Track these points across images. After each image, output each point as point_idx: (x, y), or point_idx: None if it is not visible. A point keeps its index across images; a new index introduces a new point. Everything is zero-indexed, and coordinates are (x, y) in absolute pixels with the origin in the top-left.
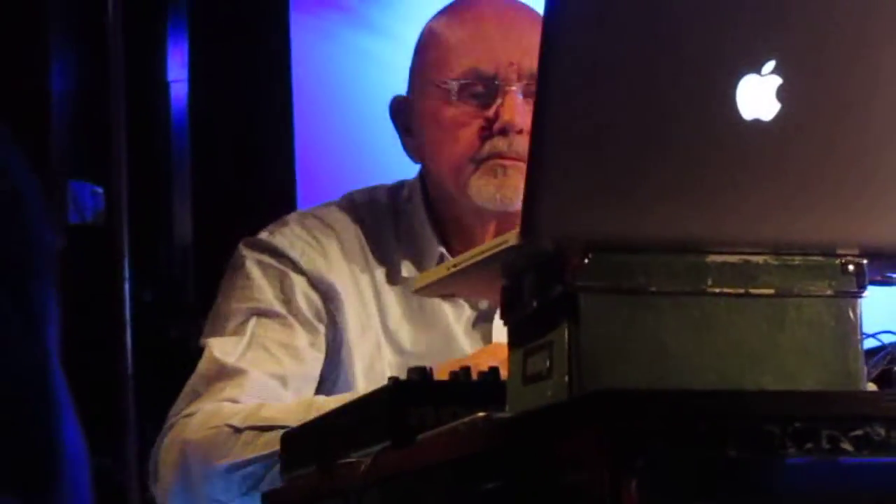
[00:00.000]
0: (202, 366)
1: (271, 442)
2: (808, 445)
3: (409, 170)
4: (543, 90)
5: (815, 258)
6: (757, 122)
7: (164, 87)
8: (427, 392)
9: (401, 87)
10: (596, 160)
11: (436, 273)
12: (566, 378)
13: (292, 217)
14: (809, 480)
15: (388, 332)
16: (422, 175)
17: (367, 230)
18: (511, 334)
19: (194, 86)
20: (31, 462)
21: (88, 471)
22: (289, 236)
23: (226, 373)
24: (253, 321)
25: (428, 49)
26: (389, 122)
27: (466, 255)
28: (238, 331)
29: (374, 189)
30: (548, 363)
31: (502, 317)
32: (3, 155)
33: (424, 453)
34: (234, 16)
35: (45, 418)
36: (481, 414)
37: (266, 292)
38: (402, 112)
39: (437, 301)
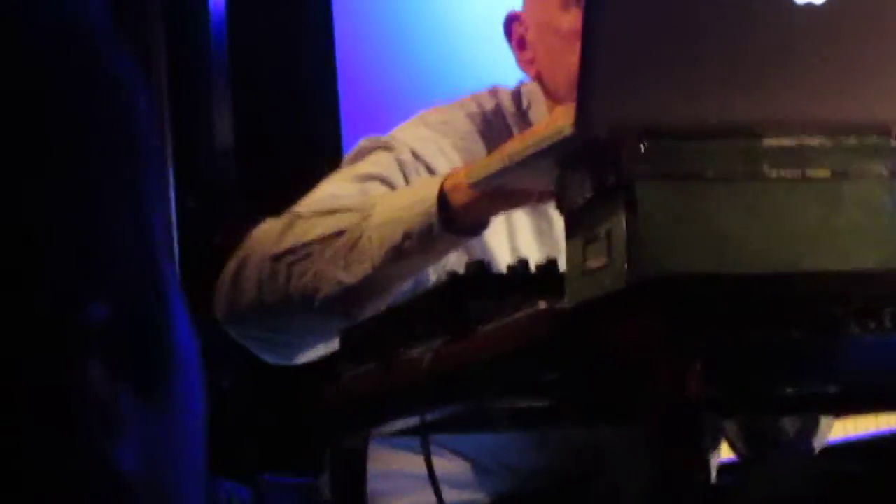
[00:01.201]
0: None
1: (337, 222)
2: (871, 324)
3: (448, 70)
4: None
5: (870, 138)
6: (809, 5)
7: None
8: (485, 284)
9: None
10: (648, 48)
11: (491, 165)
12: (625, 266)
13: (419, 119)
14: (872, 359)
15: (516, 252)
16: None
17: (495, 142)
18: (568, 224)
19: None
20: (146, 357)
21: (201, 373)
22: (417, 135)
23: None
24: (370, 184)
25: None
26: (433, 17)
27: (521, 146)
28: (347, 186)
29: (498, 93)
30: (606, 252)
31: (558, 207)
32: (108, 41)
33: (485, 346)
34: None
35: (158, 315)
36: (541, 305)
37: (390, 168)
38: (515, 27)
39: (562, 225)
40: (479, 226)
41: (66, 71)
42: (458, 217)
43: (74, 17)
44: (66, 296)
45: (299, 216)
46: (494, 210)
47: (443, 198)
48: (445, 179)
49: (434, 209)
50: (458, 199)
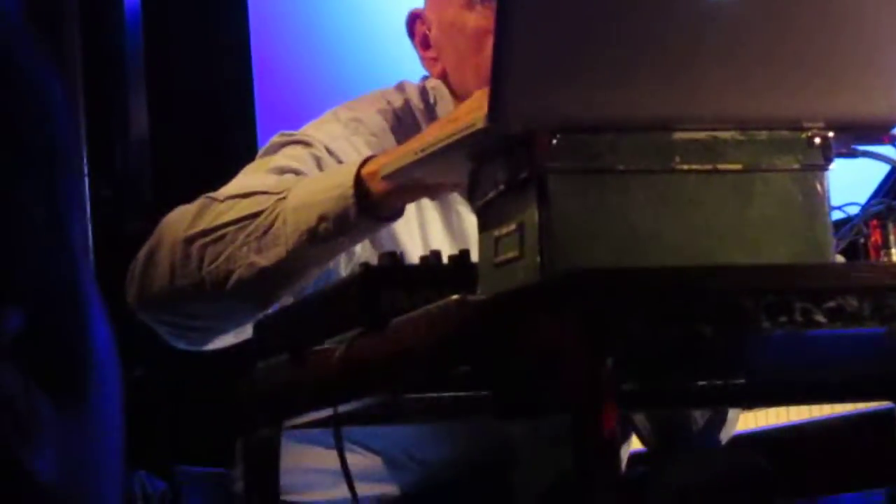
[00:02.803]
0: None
1: (251, 206)
2: (783, 318)
3: (361, 65)
4: None
5: (781, 133)
6: None
7: None
8: (398, 276)
9: None
10: (560, 42)
11: (404, 158)
12: (538, 259)
13: (331, 115)
14: (782, 353)
15: (427, 245)
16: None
17: (406, 138)
18: (480, 218)
19: None
20: (63, 362)
21: (118, 371)
22: (330, 133)
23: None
24: (286, 176)
25: None
26: (342, 15)
27: (433, 139)
28: (262, 177)
29: (404, 89)
30: (518, 245)
31: (470, 201)
32: (24, 49)
33: (398, 338)
34: None
35: (75, 318)
36: (454, 297)
37: (306, 162)
38: (418, 25)
39: (472, 216)
40: (394, 213)
41: None
42: (375, 202)
43: None
44: None
45: (214, 199)
46: (410, 197)
47: (359, 183)
48: (361, 165)
49: (350, 193)
50: (375, 184)
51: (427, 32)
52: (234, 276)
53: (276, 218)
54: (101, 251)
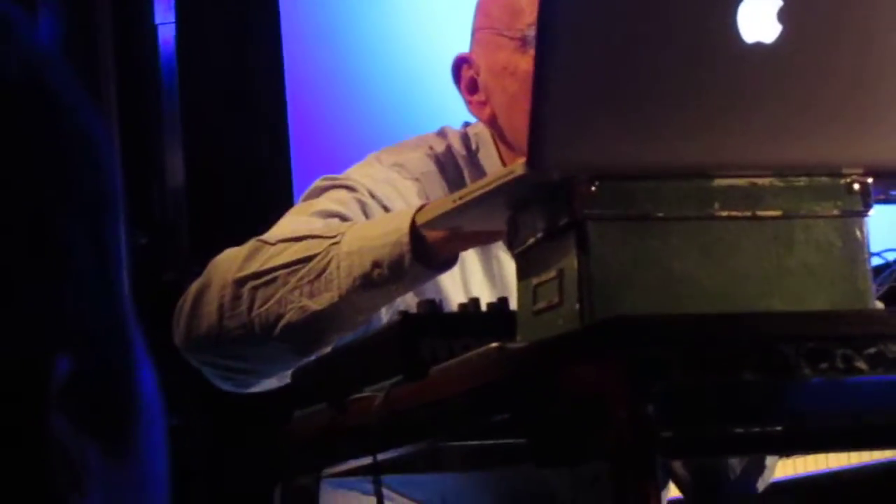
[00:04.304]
0: None
1: (303, 249)
2: (823, 365)
3: (398, 108)
4: (544, 21)
5: (820, 179)
6: (759, 44)
7: (152, 30)
8: (438, 324)
9: (394, 23)
10: (599, 88)
11: (442, 206)
12: (577, 306)
13: (373, 159)
14: (823, 399)
15: (468, 292)
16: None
17: (448, 184)
18: (519, 265)
19: (182, 28)
20: (110, 407)
21: (163, 419)
22: (373, 177)
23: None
24: (331, 220)
25: (495, 1)
26: (380, 59)
27: (472, 187)
28: (308, 220)
29: (446, 135)
30: (558, 292)
31: (509, 248)
32: (74, 94)
33: (438, 386)
34: None
35: (122, 363)
36: (494, 344)
37: (351, 206)
38: (465, 70)
39: (513, 263)
40: (448, 261)
41: (28, 122)
42: (429, 250)
43: (39, 72)
44: (31, 349)
45: (265, 242)
46: (464, 245)
47: (414, 230)
48: (417, 212)
49: (406, 239)
50: (430, 232)
51: (475, 77)
52: (284, 320)
53: (329, 262)
54: (138, 300)
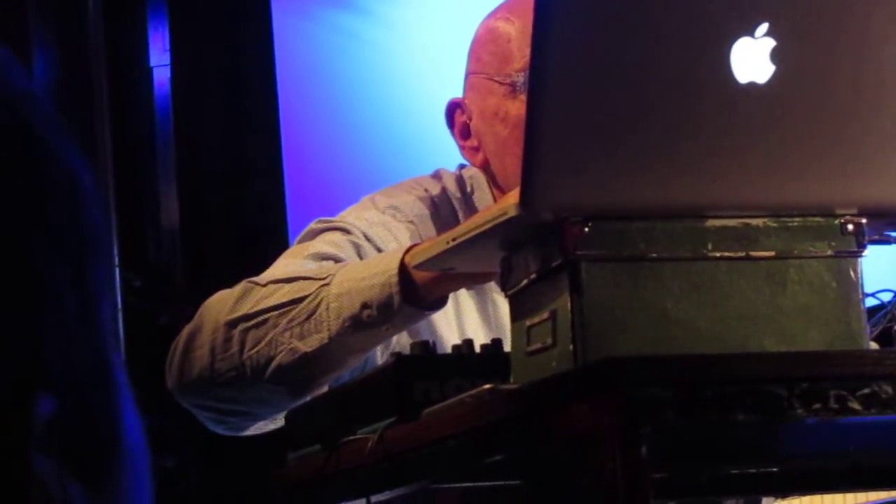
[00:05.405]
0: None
1: (294, 291)
2: (816, 406)
3: (391, 150)
4: (537, 61)
5: (814, 219)
6: (752, 85)
7: (147, 72)
8: (431, 366)
9: (387, 66)
10: (591, 130)
11: (435, 247)
12: (571, 347)
13: (368, 202)
14: (816, 440)
15: (462, 333)
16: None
17: (443, 227)
18: (512, 306)
19: (177, 70)
20: (93, 447)
21: (148, 459)
22: (368, 220)
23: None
24: (325, 263)
25: (486, 46)
26: (372, 100)
27: (465, 227)
28: (302, 262)
29: (441, 177)
30: (551, 334)
31: (502, 288)
32: (60, 137)
33: (431, 428)
34: None
35: (107, 404)
36: (487, 386)
37: (345, 249)
38: (458, 115)
39: (507, 308)
40: (437, 302)
41: (13, 165)
42: (419, 290)
43: (24, 114)
44: (12, 390)
45: (256, 284)
46: (454, 286)
47: (403, 271)
48: (405, 253)
49: (395, 280)
50: (419, 273)
51: (467, 122)
52: (275, 362)
53: (318, 304)
54: (133, 342)
